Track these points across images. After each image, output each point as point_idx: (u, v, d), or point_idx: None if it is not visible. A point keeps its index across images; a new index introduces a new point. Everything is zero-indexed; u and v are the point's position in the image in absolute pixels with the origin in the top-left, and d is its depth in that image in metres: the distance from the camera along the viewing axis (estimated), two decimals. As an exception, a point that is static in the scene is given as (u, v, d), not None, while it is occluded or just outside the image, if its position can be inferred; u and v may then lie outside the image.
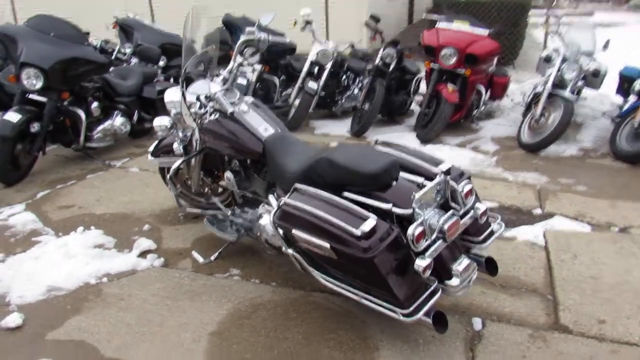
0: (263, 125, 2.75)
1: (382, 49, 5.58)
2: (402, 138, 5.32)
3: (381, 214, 2.11)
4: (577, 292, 2.61)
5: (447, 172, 2.29)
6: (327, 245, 2.05)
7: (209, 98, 2.73)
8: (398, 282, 2.00)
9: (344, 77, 6.37)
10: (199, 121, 2.83)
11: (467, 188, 2.19)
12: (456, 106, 5.22)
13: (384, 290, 2.00)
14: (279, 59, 6.20)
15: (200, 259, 2.95)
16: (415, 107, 6.20)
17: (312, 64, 5.90)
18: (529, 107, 5.13)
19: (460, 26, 5.23)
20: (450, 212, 2.11)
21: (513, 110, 6.16)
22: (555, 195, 3.84)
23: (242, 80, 5.82)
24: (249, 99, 2.95)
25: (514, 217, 3.50)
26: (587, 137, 5.27)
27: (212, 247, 3.07)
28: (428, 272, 1.98)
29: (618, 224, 3.35)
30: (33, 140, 4.25)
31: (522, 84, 6.97)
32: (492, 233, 2.38)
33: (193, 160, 3.09)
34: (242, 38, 2.89)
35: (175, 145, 3.06)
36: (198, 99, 2.74)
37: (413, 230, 1.96)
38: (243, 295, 2.63)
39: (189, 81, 2.88)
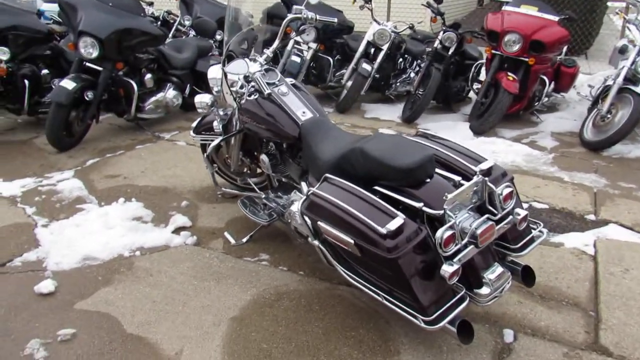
0: (301, 109, 2.67)
1: (441, 32, 5.33)
2: (454, 128, 5.11)
3: (412, 212, 2.01)
4: (623, 310, 2.40)
5: (487, 172, 2.14)
6: (352, 241, 1.96)
7: (247, 78, 2.68)
8: (422, 287, 1.89)
9: (401, 59, 6.16)
10: (238, 100, 2.79)
11: (507, 191, 2.03)
12: (516, 97, 4.93)
13: (406, 293, 1.90)
14: (335, 37, 6.08)
15: (232, 241, 2.95)
16: (473, 95, 5.92)
17: (368, 44, 5.74)
18: (596, 102, 4.77)
19: (528, 10, 4.89)
20: (485, 216, 1.97)
21: (580, 103, 5.77)
22: (613, 201, 3.55)
23: (295, 58, 5.76)
24: (290, 80, 2.87)
25: (564, 221, 3.27)
26: (659, 138, 4.85)
27: (246, 229, 3.06)
28: (455, 279, 1.86)
29: (681, 238, 3.07)
30: (87, 108, 4.38)
31: (592, 76, 6.50)
32: (531, 241, 2.21)
33: (232, 139, 3.08)
34: (289, 16, 2.78)
35: (215, 124, 3.04)
36: (239, 77, 2.69)
37: (442, 233, 1.84)
38: (269, 282, 2.60)
39: (231, 59, 2.83)
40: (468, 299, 1.96)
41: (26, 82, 4.51)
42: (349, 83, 5.67)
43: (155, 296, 2.49)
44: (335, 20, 2.96)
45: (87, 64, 4.38)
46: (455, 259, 1.88)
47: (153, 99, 4.87)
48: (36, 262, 2.77)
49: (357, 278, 2.10)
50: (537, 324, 2.32)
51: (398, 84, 6.09)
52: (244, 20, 2.92)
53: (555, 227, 3.19)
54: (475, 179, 2.00)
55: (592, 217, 3.34)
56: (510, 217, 2.06)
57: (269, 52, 2.86)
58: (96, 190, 3.68)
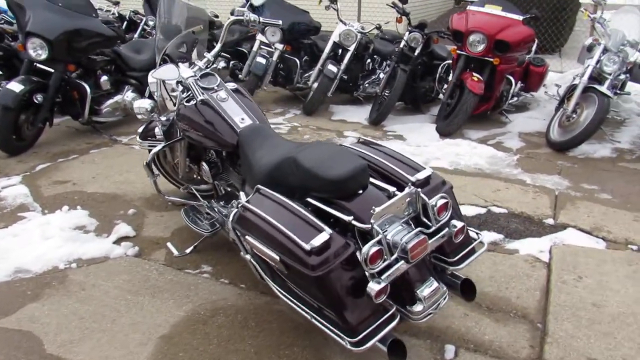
0: (240, 115, 2.55)
1: (407, 32, 5.24)
2: (420, 129, 5.03)
3: (344, 226, 1.91)
4: (572, 322, 2.32)
5: (425, 182, 2.05)
6: (277, 257, 1.86)
7: (180, 83, 2.55)
8: (349, 306, 1.79)
9: (370, 60, 6.08)
10: (177, 107, 2.66)
11: (441, 202, 1.93)
12: (483, 97, 4.86)
13: (333, 312, 1.80)
14: (302, 38, 5.97)
15: (175, 252, 2.82)
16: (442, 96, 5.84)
17: (335, 45, 5.64)
18: (562, 101, 4.70)
19: (492, 10, 4.81)
20: (417, 229, 1.87)
21: (550, 102, 5.72)
22: (574, 204, 3.48)
23: (261, 60, 5.64)
24: (232, 85, 2.75)
25: (521, 226, 3.19)
26: (625, 137, 4.82)
27: (192, 238, 2.93)
28: (382, 297, 1.76)
29: (638, 241, 2.99)
30: (37, 111, 4.22)
31: (563, 74, 6.46)
32: (471, 253, 2.12)
33: (178, 146, 2.95)
34: (231, 18, 2.66)
35: (156, 130, 2.92)
36: (179, 82, 2.57)
37: (367, 249, 1.73)
38: (207, 296, 2.49)
39: (172, 62, 2.71)
40: (398, 316, 1.86)
41: (-26, 84, 4.35)
42: (315, 85, 5.56)
43: (84, 312, 2.36)
44: (280, 22, 2.84)
45: (38, 65, 4.22)
46: (384, 276, 1.78)
47: (110, 101, 4.73)
48: (-36, 276, 2.64)
49: (287, 295, 1.99)
50: (480, 339, 2.23)
51: (367, 85, 6.00)
52: (184, 20, 2.80)
53: (512, 233, 3.11)
54: (406, 190, 1.90)
55: (550, 221, 3.26)
56: (446, 229, 1.96)
57: (209, 55, 2.74)
58: (42, 197, 3.53)
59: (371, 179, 2.08)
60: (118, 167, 4.06)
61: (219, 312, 2.37)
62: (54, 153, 4.32)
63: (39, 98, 4.11)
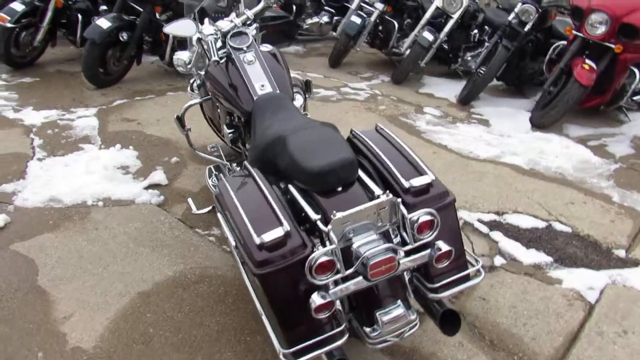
0: (262, 82, 2.38)
1: (519, 3, 4.58)
2: (512, 117, 4.46)
3: (314, 224, 1.71)
4: (588, 387, 1.92)
5: (418, 191, 1.76)
6: (233, 243, 1.73)
7: (200, 40, 2.44)
8: (289, 314, 1.61)
9: (477, 31, 5.46)
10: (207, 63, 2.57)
11: (425, 218, 1.63)
12: (598, 89, 4.14)
13: (272, 316, 1.65)
14: (406, -1, 5.53)
15: (193, 208, 2.81)
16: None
17: (438, 11, 5.14)
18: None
19: (627, -14, 3.98)
20: (386, 245, 1.60)
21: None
22: (662, 239, 2.86)
23: (355, 19, 5.34)
24: (267, 47, 2.58)
25: (581, 252, 2.70)
26: None
27: (217, 197, 2.91)
28: (324, 314, 1.56)
29: None
30: (124, 48, 4.42)
31: None
32: (460, 281, 1.80)
33: (211, 103, 2.89)
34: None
35: (194, 84, 2.88)
36: (199, 39, 2.47)
37: (315, 257, 1.53)
38: (201, 261, 2.46)
39: (208, 17, 2.61)
40: (346, 335, 1.65)
41: (79, 16, 4.65)
42: (408, 52, 5.16)
43: (86, 252, 2.46)
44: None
45: (131, 3, 4.38)
46: (332, 291, 1.58)
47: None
48: (9, 194, 2.88)
49: (246, 280, 1.87)
50: (464, 377, 1.94)
51: (468, 58, 5.43)
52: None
53: (564, 258, 2.64)
54: (381, 198, 1.63)
55: (621, 253, 2.72)
56: (428, 250, 1.67)
57: (249, 13, 2.59)
58: (105, 132, 3.74)
59: (364, 177, 1.83)
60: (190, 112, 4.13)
61: (204, 279, 2.33)
62: (134, 90, 4.54)
63: (124, 36, 4.29)
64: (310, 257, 1.53)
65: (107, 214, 2.77)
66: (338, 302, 1.74)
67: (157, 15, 4.47)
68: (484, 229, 2.84)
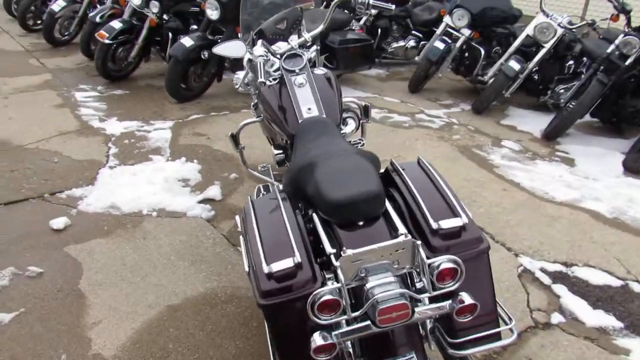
0: (309, 105, 2.34)
1: (621, 35, 4.18)
2: (603, 157, 4.05)
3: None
4: None
5: (452, 234, 1.59)
6: (247, 268, 1.68)
7: (250, 62, 2.45)
8: (292, 350, 1.52)
9: (573, 62, 5.06)
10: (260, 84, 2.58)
11: (447, 266, 1.46)
12: None
13: (276, 349, 1.56)
14: (495, 26, 5.28)
15: (239, 225, 2.82)
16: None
17: (529, 39, 4.84)
18: None
19: None
20: (400, 290, 1.46)
21: None
22: None
23: (438, 44, 5.19)
24: (321, 71, 2.54)
25: (659, 320, 2.33)
26: None
27: (266, 216, 2.90)
28: (325, 356, 1.45)
29: None
30: (205, 66, 4.62)
31: None
32: (487, 340, 1.59)
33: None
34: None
35: (252, 103, 2.90)
36: (249, 60, 2.48)
37: (320, 294, 1.42)
38: (235, 280, 2.43)
39: (265, 38, 2.62)
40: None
41: (170, 34, 4.94)
42: (491, 81, 4.90)
43: (129, 260, 2.54)
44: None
45: (217, 24, 4.58)
46: (335, 332, 1.46)
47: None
48: (76, 198, 3.07)
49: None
50: None
51: (560, 91, 5.03)
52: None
53: (639, 326, 2.30)
54: (399, 238, 1.49)
55: None
56: (449, 302, 1.50)
57: (307, 35, 2.57)
58: (176, 144, 3.89)
59: (392, 213, 1.70)
60: (252, 130, 4.21)
61: (233, 299, 2.30)
62: (211, 106, 4.71)
63: (205, 54, 4.48)
64: (314, 294, 1.43)
65: (158, 224, 2.86)
66: (349, 344, 1.64)
67: (240, 36, 4.61)
68: (546, 280, 2.55)
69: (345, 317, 1.45)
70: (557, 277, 2.58)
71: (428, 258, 1.49)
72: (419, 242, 1.47)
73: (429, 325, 1.66)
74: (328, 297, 1.41)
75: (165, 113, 4.48)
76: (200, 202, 3.09)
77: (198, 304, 2.27)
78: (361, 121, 2.78)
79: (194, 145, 3.87)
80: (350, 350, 1.63)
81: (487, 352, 2.06)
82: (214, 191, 3.17)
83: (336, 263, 1.46)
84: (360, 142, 2.94)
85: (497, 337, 1.61)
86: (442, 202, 1.71)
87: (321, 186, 1.69)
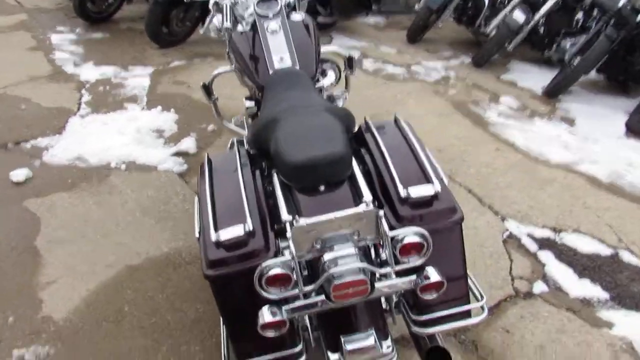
0: (282, 54, 2.13)
1: (633, -15, 3.87)
2: (606, 117, 3.83)
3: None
4: None
5: (416, 202, 1.43)
6: (197, 234, 1.53)
7: (216, 5, 2.22)
8: (240, 324, 1.40)
9: (583, 15, 4.74)
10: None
11: (411, 239, 1.31)
12: None
13: (223, 321, 1.44)
14: (501, -29, 4.92)
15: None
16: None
17: (537, -13, 4.52)
18: None
19: None
20: (359, 264, 1.31)
21: None
22: None
23: (519, 15, 4.80)
24: (299, 16, 2.30)
25: (648, 293, 2.21)
26: None
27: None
28: (271, 333, 1.32)
29: None
30: (187, 9, 4.34)
31: None
32: (453, 318, 1.46)
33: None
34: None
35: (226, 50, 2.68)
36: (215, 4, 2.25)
37: (267, 266, 1.28)
38: (202, 239, 2.30)
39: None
40: (303, 357, 1.41)
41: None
42: (493, 33, 4.60)
43: (92, 216, 2.40)
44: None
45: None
46: (286, 308, 1.33)
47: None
48: (41, 148, 2.90)
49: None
50: None
51: (567, 45, 4.74)
52: None
53: (625, 297, 2.18)
54: (359, 208, 1.33)
55: None
56: (413, 277, 1.36)
57: (285, -25, 2.32)
58: (154, 93, 3.68)
59: (359, 178, 1.53)
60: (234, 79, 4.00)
61: (198, 261, 2.18)
62: (194, 53, 4.45)
63: (186, -4, 4.19)
64: (262, 266, 1.28)
65: (126, 178, 2.70)
66: (306, 318, 1.52)
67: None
68: (533, 246, 2.41)
69: (296, 291, 1.31)
70: (544, 244, 2.43)
71: (393, 229, 1.34)
72: (381, 212, 1.30)
73: (394, 299, 1.53)
74: (277, 270, 1.27)
75: (146, 59, 4.24)
76: (174, 154, 2.92)
77: (160, 264, 2.15)
78: (344, 73, 2.58)
79: (173, 94, 3.66)
80: (307, 324, 1.51)
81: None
82: (189, 143, 3.00)
83: (288, 233, 1.31)
84: (342, 96, 2.74)
85: (467, 314, 1.48)
86: (415, 166, 1.54)
87: (281, 145, 1.52)
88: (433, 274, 1.34)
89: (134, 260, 2.16)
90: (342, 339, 1.39)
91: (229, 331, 1.40)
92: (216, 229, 1.37)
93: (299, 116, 1.63)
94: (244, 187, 1.50)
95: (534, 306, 2.08)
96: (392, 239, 1.30)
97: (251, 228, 1.36)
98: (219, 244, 1.36)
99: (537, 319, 2.02)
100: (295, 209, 1.44)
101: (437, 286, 1.34)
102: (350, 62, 2.59)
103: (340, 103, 2.72)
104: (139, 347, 1.79)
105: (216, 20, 2.54)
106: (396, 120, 1.78)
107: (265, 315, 1.29)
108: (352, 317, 1.41)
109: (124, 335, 1.82)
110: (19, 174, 2.61)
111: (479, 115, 3.72)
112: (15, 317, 1.87)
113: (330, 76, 2.50)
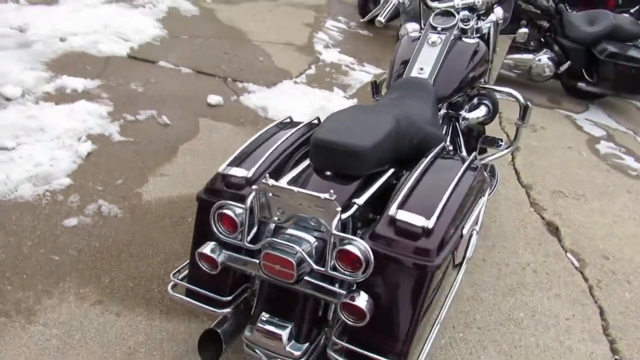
0: (424, 65, 2.08)
1: None
2: None
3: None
4: None
5: (391, 221, 1.29)
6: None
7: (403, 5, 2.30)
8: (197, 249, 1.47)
9: None
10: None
11: (349, 249, 1.17)
12: None
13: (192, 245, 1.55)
14: None
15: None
16: None
17: None
18: None
19: None
20: (295, 246, 1.23)
21: None
22: None
23: None
24: (471, 40, 2.19)
25: None
26: None
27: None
28: (205, 267, 1.37)
29: None
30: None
31: None
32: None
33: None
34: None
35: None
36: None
37: (220, 204, 1.32)
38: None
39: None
40: (225, 311, 1.43)
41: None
42: None
43: (232, 146, 2.74)
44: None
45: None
46: (225, 252, 1.37)
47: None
48: (246, 91, 3.41)
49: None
50: None
51: None
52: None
53: None
54: (322, 194, 1.24)
55: None
56: (334, 287, 1.26)
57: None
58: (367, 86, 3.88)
59: (377, 184, 1.46)
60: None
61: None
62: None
63: None
64: (218, 203, 1.36)
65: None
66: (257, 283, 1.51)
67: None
68: None
69: (240, 243, 1.35)
70: None
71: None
72: (338, 207, 1.23)
73: (331, 310, 1.41)
74: (226, 211, 1.35)
75: (383, 60, 4.49)
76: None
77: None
78: (517, 123, 2.36)
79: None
80: (252, 290, 1.52)
81: None
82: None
83: (253, 186, 1.35)
84: (503, 145, 2.51)
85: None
86: (427, 197, 1.38)
87: (323, 123, 1.56)
88: (360, 300, 1.22)
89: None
90: (262, 316, 1.37)
91: (191, 253, 1.50)
92: (229, 164, 1.51)
93: (368, 114, 1.62)
94: (278, 143, 1.59)
95: None
96: (334, 240, 1.22)
97: (250, 176, 1.46)
98: (223, 177, 1.49)
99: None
100: (293, 176, 1.48)
101: (357, 312, 1.22)
102: (524, 112, 2.37)
103: (500, 152, 2.49)
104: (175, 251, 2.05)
105: (388, 9, 2.58)
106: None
107: (206, 247, 1.38)
108: (281, 300, 1.39)
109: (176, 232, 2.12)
110: (214, 99, 3.16)
111: None
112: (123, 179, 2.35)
113: (480, 111, 2.34)
